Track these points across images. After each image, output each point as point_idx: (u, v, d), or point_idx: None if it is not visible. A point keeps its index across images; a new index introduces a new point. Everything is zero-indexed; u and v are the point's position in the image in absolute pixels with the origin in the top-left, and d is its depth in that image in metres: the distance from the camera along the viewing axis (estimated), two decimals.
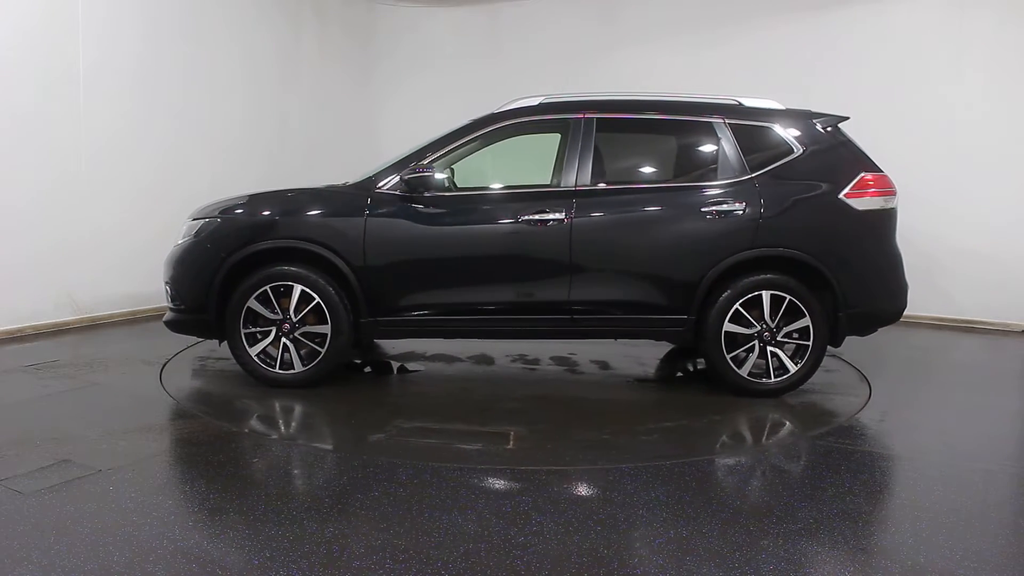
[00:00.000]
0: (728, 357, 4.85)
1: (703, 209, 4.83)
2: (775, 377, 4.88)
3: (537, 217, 4.81)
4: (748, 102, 5.11)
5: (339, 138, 9.20)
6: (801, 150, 4.94)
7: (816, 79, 7.56)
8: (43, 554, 2.77)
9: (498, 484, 3.50)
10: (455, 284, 4.90)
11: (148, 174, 7.13)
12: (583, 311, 4.89)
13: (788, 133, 4.97)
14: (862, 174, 4.87)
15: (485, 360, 5.87)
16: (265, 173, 7.87)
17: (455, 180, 5.62)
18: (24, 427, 4.11)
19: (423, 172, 4.82)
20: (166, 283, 5.11)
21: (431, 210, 4.90)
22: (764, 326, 4.83)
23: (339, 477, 3.54)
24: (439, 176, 4.91)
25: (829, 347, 5.00)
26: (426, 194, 4.89)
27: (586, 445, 4.04)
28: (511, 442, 4.10)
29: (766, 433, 4.38)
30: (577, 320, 4.91)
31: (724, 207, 4.81)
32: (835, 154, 4.96)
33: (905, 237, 5.09)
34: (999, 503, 3.47)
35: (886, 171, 4.97)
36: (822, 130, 5.01)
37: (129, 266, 7.01)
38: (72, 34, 6.45)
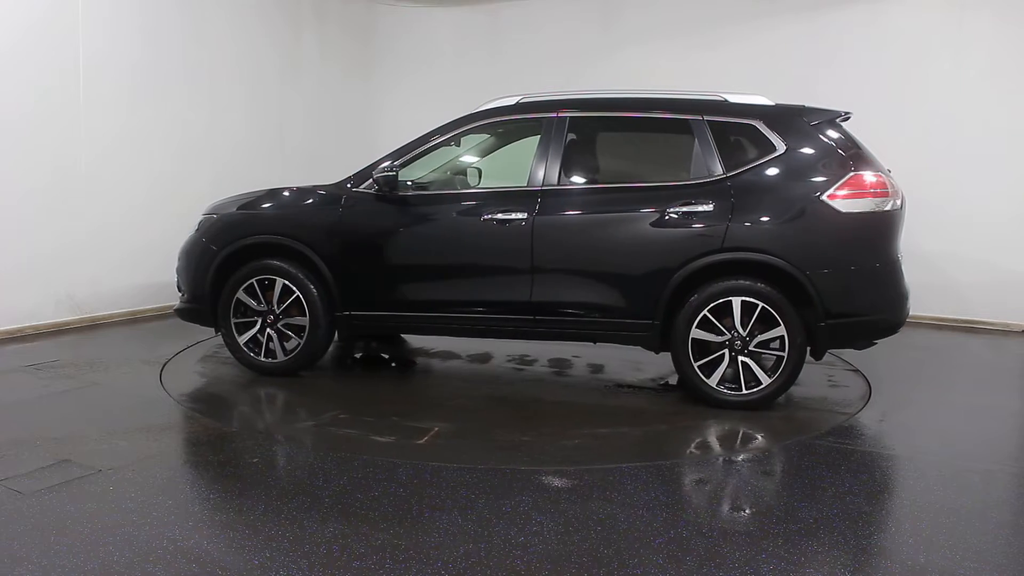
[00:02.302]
0: (696, 365, 4.60)
1: (669, 210, 4.60)
2: (747, 388, 4.58)
3: (501, 217, 4.80)
4: (734, 99, 4.86)
5: (339, 137, 9.19)
6: (784, 148, 4.62)
7: (817, 80, 7.54)
8: (43, 554, 2.77)
9: (499, 484, 3.49)
10: (421, 282, 5.02)
11: (149, 173, 7.12)
12: (546, 312, 4.82)
13: (771, 131, 4.67)
14: (852, 174, 4.53)
15: (481, 359, 5.88)
16: (266, 172, 7.87)
17: (481, 178, 5.74)
18: (24, 427, 4.11)
19: (389, 172, 4.94)
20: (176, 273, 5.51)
21: (400, 209, 5.03)
22: (735, 334, 4.55)
23: (339, 477, 3.54)
24: (425, 173, 5.06)
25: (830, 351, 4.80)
26: (400, 194, 5.02)
27: (499, 446, 4.01)
28: (425, 438, 4.11)
29: (762, 436, 4.38)
30: (540, 321, 4.85)
31: (691, 208, 4.58)
32: (822, 153, 4.64)
33: (906, 237, 5.01)
34: (999, 503, 3.48)
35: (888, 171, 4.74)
36: (811, 127, 4.69)
37: (129, 266, 7.00)
38: (72, 34, 6.44)
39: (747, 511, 3.32)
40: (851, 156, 4.61)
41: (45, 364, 5.36)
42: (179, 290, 5.47)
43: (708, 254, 4.54)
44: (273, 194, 5.38)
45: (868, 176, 4.55)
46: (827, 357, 5.57)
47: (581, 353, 5.86)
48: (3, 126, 6.04)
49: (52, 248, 6.41)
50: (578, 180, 5.00)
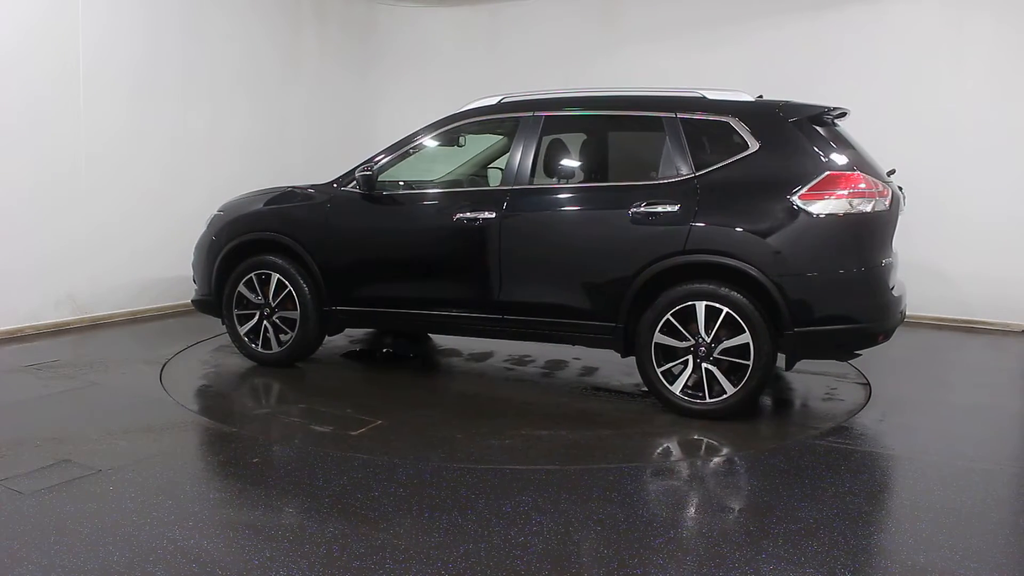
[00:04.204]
0: (659, 371, 4.43)
1: (632, 210, 4.45)
2: (710, 397, 4.35)
3: (471, 216, 4.82)
4: (712, 95, 4.64)
5: (340, 136, 9.18)
6: (757, 146, 4.37)
7: (817, 80, 7.54)
8: (43, 554, 2.77)
9: (499, 484, 3.49)
10: (397, 279, 5.12)
11: (149, 174, 7.12)
12: (513, 311, 4.80)
13: (745, 128, 4.42)
14: (826, 173, 4.24)
15: (479, 358, 5.89)
16: (266, 171, 7.84)
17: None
18: (24, 427, 4.11)
19: (367, 171, 5.06)
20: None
21: (379, 208, 5.14)
22: (700, 340, 4.33)
23: (339, 477, 3.54)
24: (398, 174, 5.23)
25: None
26: (380, 193, 5.13)
27: (426, 442, 4.04)
28: (361, 430, 4.20)
29: (763, 436, 4.37)
30: (508, 320, 4.84)
31: (655, 208, 4.41)
32: (797, 151, 4.36)
33: (906, 236, 4.96)
34: (999, 503, 3.47)
35: (881, 170, 4.51)
36: (789, 124, 4.41)
37: (129, 266, 7.00)
38: (72, 34, 6.43)
39: (747, 511, 3.32)
40: (829, 154, 4.35)
41: (45, 364, 5.36)
42: (194, 282, 5.74)
43: (670, 256, 4.37)
44: (273, 193, 5.58)
45: (845, 176, 4.25)
46: (838, 367, 5.44)
47: (582, 355, 5.82)
48: (3, 126, 6.04)
49: (52, 248, 6.41)
50: (547, 180, 4.96)
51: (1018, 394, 5.46)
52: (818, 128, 4.47)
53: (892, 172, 4.79)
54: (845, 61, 7.63)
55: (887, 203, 4.36)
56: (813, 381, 5.23)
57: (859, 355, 4.56)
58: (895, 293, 4.50)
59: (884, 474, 3.86)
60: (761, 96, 4.82)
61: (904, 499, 3.56)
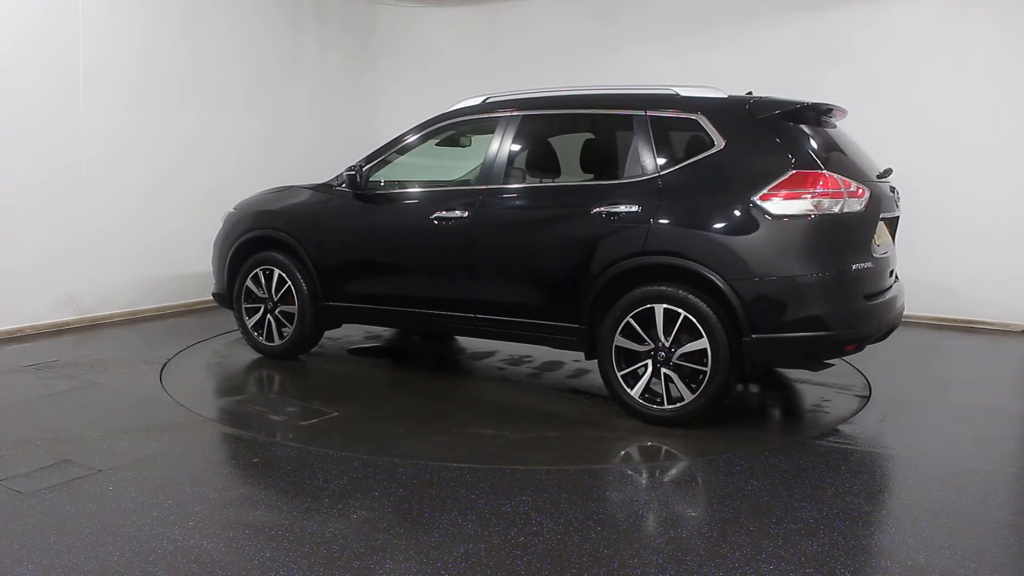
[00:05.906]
0: (620, 375, 4.32)
1: (594, 210, 4.37)
2: (669, 403, 4.23)
3: (445, 215, 4.86)
4: (685, 92, 4.50)
5: (340, 136, 9.18)
6: (722, 144, 4.21)
7: (817, 80, 7.54)
8: (43, 554, 2.78)
9: (499, 484, 3.49)
10: (379, 276, 5.25)
11: (149, 174, 7.12)
12: (484, 310, 4.82)
13: (713, 125, 4.26)
14: (791, 173, 4.03)
15: (477, 356, 5.91)
16: (267, 171, 7.84)
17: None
18: (24, 427, 4.11)
19: (351, 171, 5.20)
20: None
21: (366, 207, 5.26)
22: (660, 344, 4.21)
23: (339, 477, 3.55)
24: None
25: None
26: (368, 192, 5.24)
27: (366, 436, 4.12)
28: (313, 420, 4.35)
29: (763, 436, 4.37)
30: (480, 319, 4.86)
31: (617, 208, 4.31)
32: (763, 149, 4.17)
33: (905, 236, 4.96)
34: (999, 503, 3.47)
35: (868, 169, 4.35)
36: (757, 121, 4.22)
37: (129, 266, 7.00)
38: (72, 34, 6.43)
39: (747, 511, 3.32)
40: (799, 153, 4.13)
41: (45, 364, 5.36)
42: (213, 277, 6.00)
43: (629, 257, 4.26)
44: (279, 191, 5.80)
45: (811, 175, 4.03)
46: (844, 377, 5.38)
47: (581, 356, 5.78)
48: (3, 126, 6.04)
49: (52, 248, 6.41)
50: (518, 179, 4.96)
51: (1018, 394, 5.46)
52: (795, 125, 4.28)
53: (889, 172, 4.70)
54: (845, 61, 7.63)
55: (861, 205, 4.15)
56: (809, 381, 5.22)
57: (831, 364, 4.42)
58: (875, 300, 4.28)
59: (884, 474, 3.86)
60: (751, 93, 4.69)
61: (904, 499, 3.56)
